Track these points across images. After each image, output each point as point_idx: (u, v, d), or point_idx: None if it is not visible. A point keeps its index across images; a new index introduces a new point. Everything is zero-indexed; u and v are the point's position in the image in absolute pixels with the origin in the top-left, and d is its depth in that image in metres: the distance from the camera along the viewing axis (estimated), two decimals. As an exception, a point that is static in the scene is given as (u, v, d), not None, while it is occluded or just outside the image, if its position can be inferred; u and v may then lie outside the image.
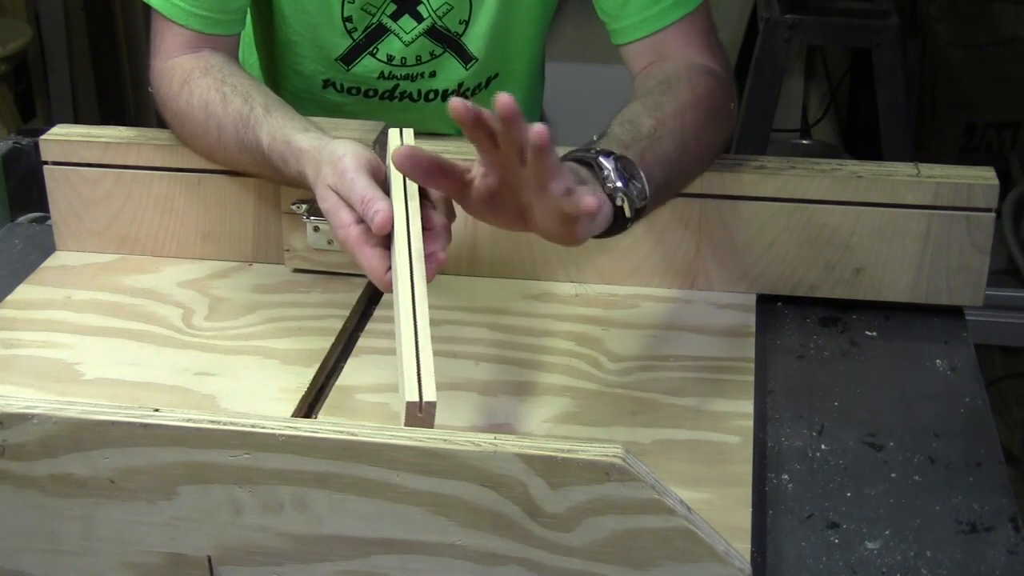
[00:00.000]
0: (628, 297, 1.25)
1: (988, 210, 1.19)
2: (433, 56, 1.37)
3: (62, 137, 1.30)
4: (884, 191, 1.20)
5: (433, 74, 1.38)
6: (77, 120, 3.20)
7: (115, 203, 1.31)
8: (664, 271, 1.25)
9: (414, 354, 0.92)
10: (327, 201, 1.03)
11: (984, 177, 1.19)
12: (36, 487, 0.87)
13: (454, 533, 0.83)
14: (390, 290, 0.99)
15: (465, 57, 1.37)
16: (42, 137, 1.31)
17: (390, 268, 0.99)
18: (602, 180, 0.99)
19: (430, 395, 0.89)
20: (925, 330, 1.22)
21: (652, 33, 1.24)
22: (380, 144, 1.23)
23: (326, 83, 1.40)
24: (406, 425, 0.88)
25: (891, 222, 1.20)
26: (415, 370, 0.91)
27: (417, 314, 0.95)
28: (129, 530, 0.87)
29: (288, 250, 1.28)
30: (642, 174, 1.01)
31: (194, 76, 1.23)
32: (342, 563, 0.86)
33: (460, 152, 1.25)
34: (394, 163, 0.95)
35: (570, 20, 2.75)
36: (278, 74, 1.43)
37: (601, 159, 1.00)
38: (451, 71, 1.38)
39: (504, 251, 1.26)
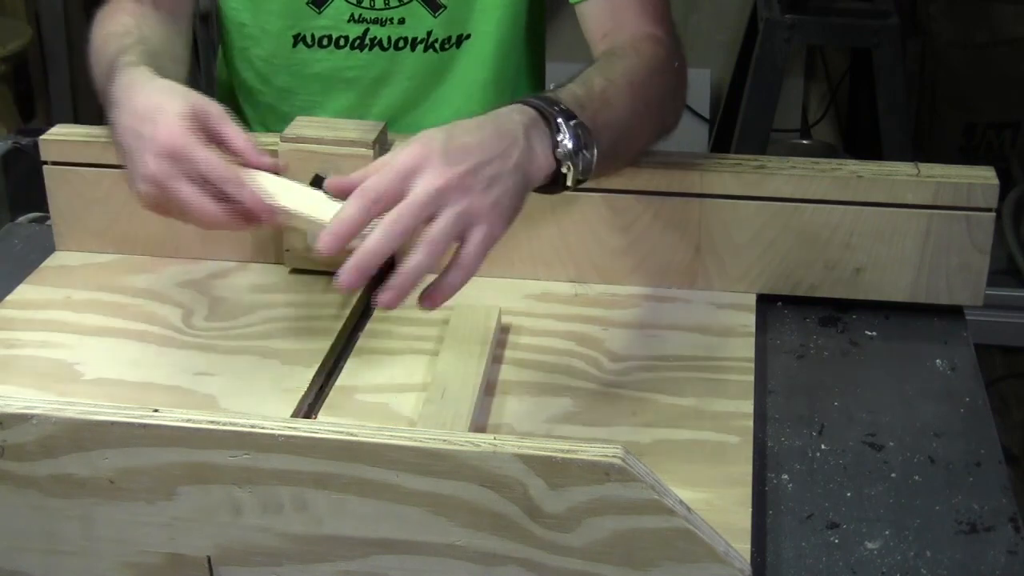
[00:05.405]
0: (628, 297, 1.25)
1: (988, 210, 1.19)
2: (401, 2, 1.36)
3: (62, 137, 1.30)
4: (884, 191, 1.20)
5: (402, 21, 1.37)
6: (77, 120, 3.19)
7: (115, 203, 1.31)
8: (664, 271, 1.25)
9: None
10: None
11: (984, 177, 1.19)
12: (36, 487, 0.87)
13: (454, 533, 0.83)
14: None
15: (433, 5, 1.36)
16: (42, 137, 1.31)
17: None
18: (554, 141, 1.00)
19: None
20: (925, 330, 1.22)
21: None
22: (380, 144, 1.23)
23: (296, 39, 1.40)
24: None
25: (891, 222, 1.20)
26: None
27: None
28: (129, 530, 0.87)
29: (288, 250, 1.28)
30: (595, 145, 1.02)
31: (118, 14, 1.24)
32: (342, 563, 0.86)
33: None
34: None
35: (570, 20, 2.75)
36: (249, 42, 1.43)
37: (560, 120, 1.00)
38: (420, 19, 1.37)
39: (504, 251, 1.26)
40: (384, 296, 0.93)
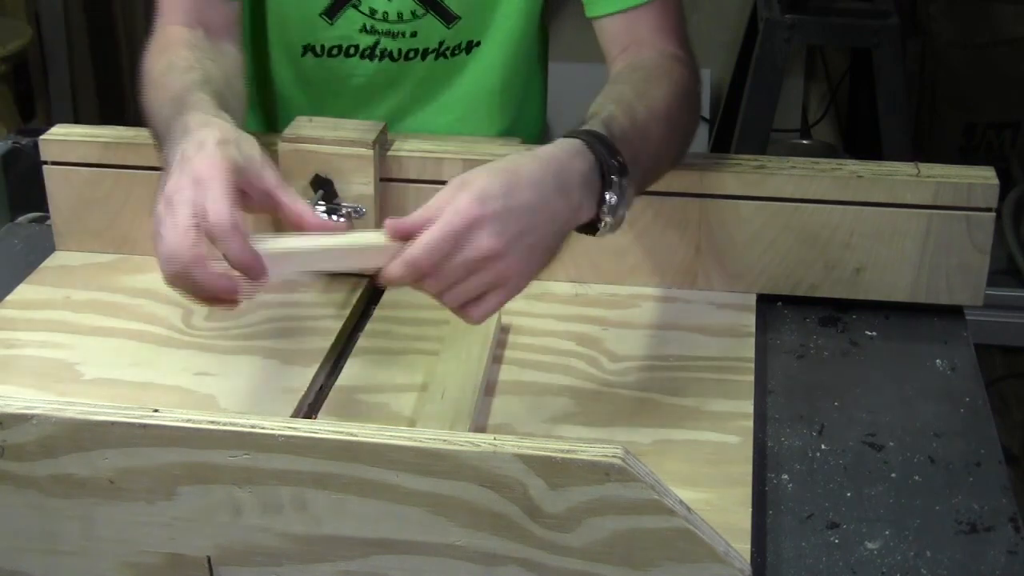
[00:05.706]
0: (628, 297, 1.25)
1: (988, 210, 1.19)
2: (415, 16, 1.36)
3: (62, 137, 1.30)
4: (884, 191, 1.20)
5: (414, 34, 1.37)
6: (77, 120, 3.20)
7: (115, 203, 1.31)
8: (664, 271, 1.25)
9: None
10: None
11: (984, 177, 1.19)
12: (36, 487, 0.87)
13: (454, 533, 0.83)
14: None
15: (447, 17, 1.36)
16: (42, 137, 1.31)
17: None
18: (601, 197, 1.00)
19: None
20: (925, 330, 1.22)
21: (628, 8, 1.24)
22: (380, 144, 1.23)
23: (305, 49, 1.39)
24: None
25: (891, 222, 1.20)
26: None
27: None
28: (129, 530, 0.87)
29: (288, 250, 1.28)
30: (629, 201, 1.03)
31: (176, 46, 1.22)
32: (342, 563, 0.86)
33: (460, 151, 1.25)
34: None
35: (570, 20, 2.75)
36: (254, 50, 1.42)
37: (614, 178, 1.00)
38: (432, 31, 1.36)
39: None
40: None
